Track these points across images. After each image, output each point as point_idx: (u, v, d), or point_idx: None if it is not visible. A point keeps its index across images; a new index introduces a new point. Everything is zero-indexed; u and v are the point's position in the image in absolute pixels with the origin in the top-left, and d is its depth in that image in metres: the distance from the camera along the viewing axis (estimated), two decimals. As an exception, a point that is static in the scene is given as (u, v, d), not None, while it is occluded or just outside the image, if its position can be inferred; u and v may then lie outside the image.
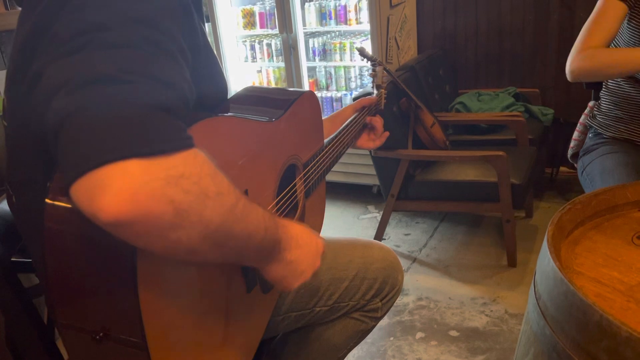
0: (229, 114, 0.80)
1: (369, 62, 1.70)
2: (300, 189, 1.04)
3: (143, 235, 0.53)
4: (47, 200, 0.61)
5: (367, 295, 1.15)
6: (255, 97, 1.01)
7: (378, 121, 1.40)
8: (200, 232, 0.56)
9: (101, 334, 0.64)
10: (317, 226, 1.17)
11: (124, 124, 0.52)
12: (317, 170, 1.10)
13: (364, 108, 1.36)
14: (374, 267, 1.16)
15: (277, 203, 0.95)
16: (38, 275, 0.87)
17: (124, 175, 0.50)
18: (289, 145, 0.97)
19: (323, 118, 1.28)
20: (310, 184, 1.08)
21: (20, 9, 0.69)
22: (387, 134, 1.42)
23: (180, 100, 0.57)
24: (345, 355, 1.20)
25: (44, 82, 0.56)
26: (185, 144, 0.55)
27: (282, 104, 0.97)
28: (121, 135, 0.51)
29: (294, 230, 0.80)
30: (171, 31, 0.60)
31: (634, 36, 1.48)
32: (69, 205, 0.61)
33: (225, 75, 0.84)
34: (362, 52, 1.73)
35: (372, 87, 1.54)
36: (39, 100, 0.56)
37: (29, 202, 0.74)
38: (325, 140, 1.16)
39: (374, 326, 1.21)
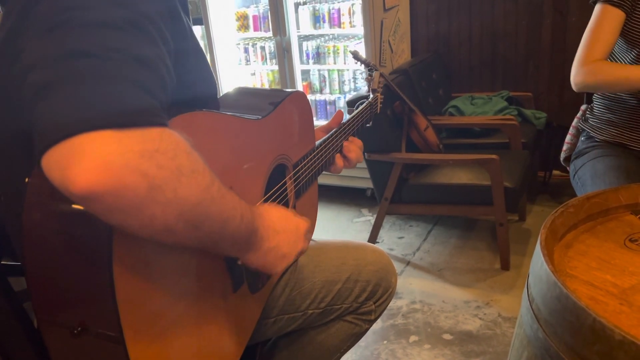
0: (213, 110, 0.80)
1: (363, 65, 1.70)
2: (290, 188, 1.03)
3: (116, 209, 0.52)
4: (26, 195, 0.61)
5: (360, 298, 1.15)
6: (242, 97, 1.00)
7: (352, 148, 1.25)
8: (175, 209, 0.56)
9: (79, 329, 0.63)
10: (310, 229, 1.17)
11: (99, 96, 0.51)
12: (308, 170, 1.09)
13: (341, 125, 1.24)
14: (367, 270, 1.16)
15: (264, 201, 0.94)
16: None
17: (98, 145, 0.49)
18: (276, 144, 0.96)
19: None
20: (300, 184, 1.07)
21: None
22: (359, 158, 1.26)
23: (157, 80, 0.57)
24: (338, 358, 1.20)
25: (22, 58, 0.56)
26: (160, 121, 0.55)
27: (270, 103, 0.96)
28: (96, 107, 0.51)
29: (271, 216, 0.80)
30: (155, 20, 0.60)
31: (623, 43, 1.49)
32: (46, 199, 0.60)
33: (216, 78, 0.85)
34: (355, 56, 1.73)
35: (368, 91, 1.54)
36: (18, 76, 0.55)
37: (13, 200, 0.73)
38: (317, 142, 1.15)
39: (367, 329, 1.20)
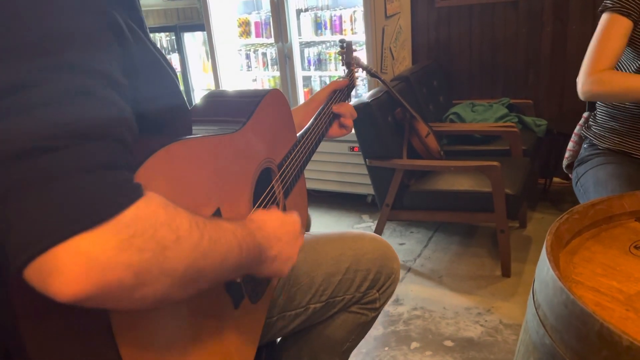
0: (188, 136, 0.74)
1: (340, 46, 1.61)
2: (278, 190, 1.02)
3: (107, 302, 0.51)
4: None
5: (362, 287, 1.14)
6: (216, 106, 0.97)
7: (343, 107, 1.33)
8: (166, 283, 0.54)
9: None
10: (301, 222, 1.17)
11: (60, 197, 0.48)
12: (293, 167, 1.08)
13: (336, 91, 1.33)
14: (366, 258, 1.15)
15: (255, 211, 0.93)
16: None
17: (73, 254, 0.47)
18: (258, 151, 0.94)
19: (297, 106, 1.27)
20: (288, 182, 1.05)
21: None
22: (354, 115, 1.36)
23: (118, 147, 0.53)
24: (349, 348, 1.19)
25: None
26: (131, 197, 0.51)
27: (245, 108, 0.93)
28: (61, 211, 0.48)
29: (269, 226, 0.79)
30: (94, 64, 0.54)
31: (630, 51, 1.50)
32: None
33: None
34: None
35: (342, 65, 1.48)
36: None
37: None
38: (298, 134, 1.13)
39: (374, 317, 1.20)
